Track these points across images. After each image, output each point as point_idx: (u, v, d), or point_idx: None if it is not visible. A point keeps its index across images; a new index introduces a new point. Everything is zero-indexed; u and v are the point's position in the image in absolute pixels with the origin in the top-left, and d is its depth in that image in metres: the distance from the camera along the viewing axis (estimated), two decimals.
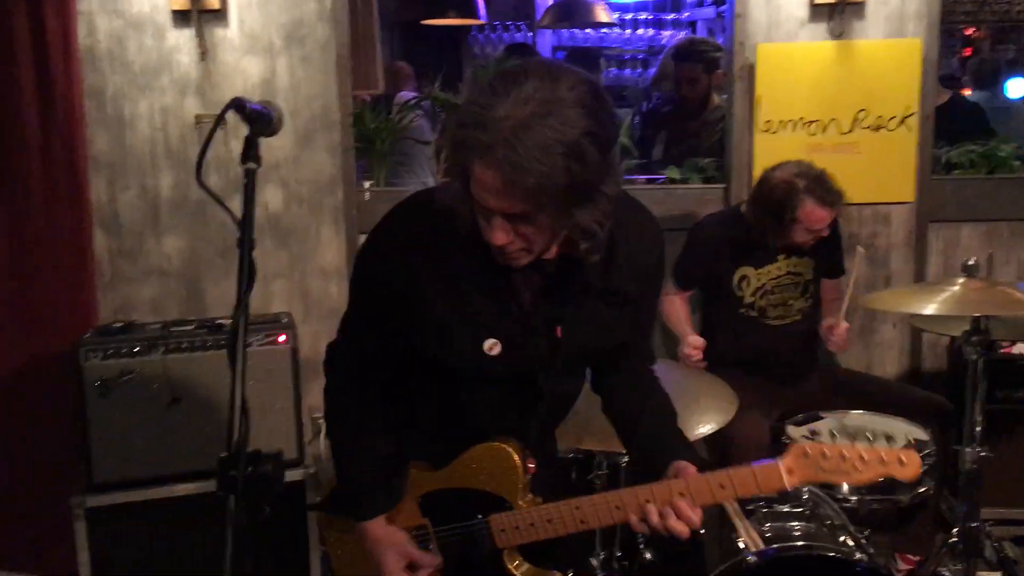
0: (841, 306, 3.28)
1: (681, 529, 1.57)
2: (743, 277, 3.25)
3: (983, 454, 2.60)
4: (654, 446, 1.77)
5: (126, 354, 3.06)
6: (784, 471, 1.55)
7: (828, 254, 3.31)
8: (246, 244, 1.36)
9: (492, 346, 1.64)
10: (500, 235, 1.44)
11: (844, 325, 3.26)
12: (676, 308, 3.39)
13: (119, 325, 3.21)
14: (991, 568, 3.18)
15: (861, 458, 1.53)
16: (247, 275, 1.35)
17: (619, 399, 1.88)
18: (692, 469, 1.63)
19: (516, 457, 1.73)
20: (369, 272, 1.68)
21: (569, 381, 1.82)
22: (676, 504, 1.57)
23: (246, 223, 1.37)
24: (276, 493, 1.30)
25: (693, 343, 3.25)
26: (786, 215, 3.07)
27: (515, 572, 1.78)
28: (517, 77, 1.36)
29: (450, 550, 1.80)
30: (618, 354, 1.84)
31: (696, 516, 1.57)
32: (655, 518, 1.58)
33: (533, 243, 1.48)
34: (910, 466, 1.54)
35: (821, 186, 3.06)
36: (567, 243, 1.55)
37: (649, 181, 3.92)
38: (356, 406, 1.79)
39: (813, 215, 3.07)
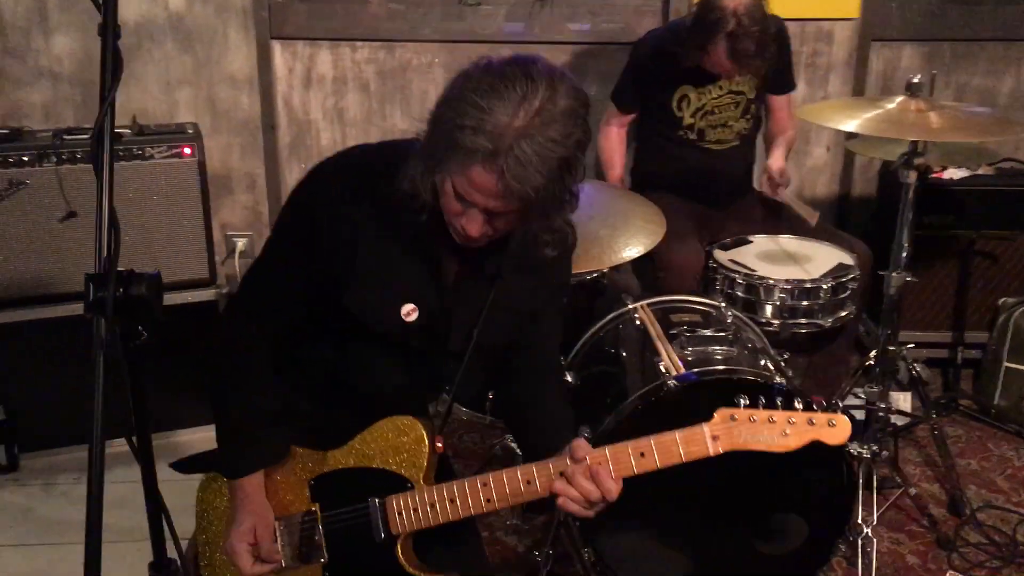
0: (784, 146, 3.21)
1: (591, 489, 1.50)
2: (683, 97, 3.11)
3: (908, 279, 2.58)
4: (548, 438, 1.67)
5: (15, 163, 2.86)
6: (709, 438, 1.47)
7: (776, 70, 3.15)
8: (110, 31, 1.16)
9: (410, 311, 1.62)
10: (475, 227, 1.43)
11: (784, 172, 3.17)
12: (611, 139, 3.29)
13: (6, 131, 2.98)
14: (902, 388, 3.26)
15: (790, 422, 1.45)
16: (112, 66, 1.15)
17: (522, 405, 1.78)
18: (586, 445, 1.55)
19: (424, 432, 1.64)
20: (308, 204, 1.59)
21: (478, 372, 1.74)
22: (595, 471, 1.50)
23: (108, 2, 1.16)
24: (154, 318, 1.16)
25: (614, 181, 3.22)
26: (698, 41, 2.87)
27: (406, 565, 1.65)
28: (518, 80, 1.34)
29: (339, 537, 1.69)
30: (524, 356, 1.78)
31: (615, 486, 1.50)
32: (568, 486, 1.51)
33: (499, 233, 1.48)
34: (840, 429, 1.46)
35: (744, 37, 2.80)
36: None
37: None
38: (243, 356, 1.68)
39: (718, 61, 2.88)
